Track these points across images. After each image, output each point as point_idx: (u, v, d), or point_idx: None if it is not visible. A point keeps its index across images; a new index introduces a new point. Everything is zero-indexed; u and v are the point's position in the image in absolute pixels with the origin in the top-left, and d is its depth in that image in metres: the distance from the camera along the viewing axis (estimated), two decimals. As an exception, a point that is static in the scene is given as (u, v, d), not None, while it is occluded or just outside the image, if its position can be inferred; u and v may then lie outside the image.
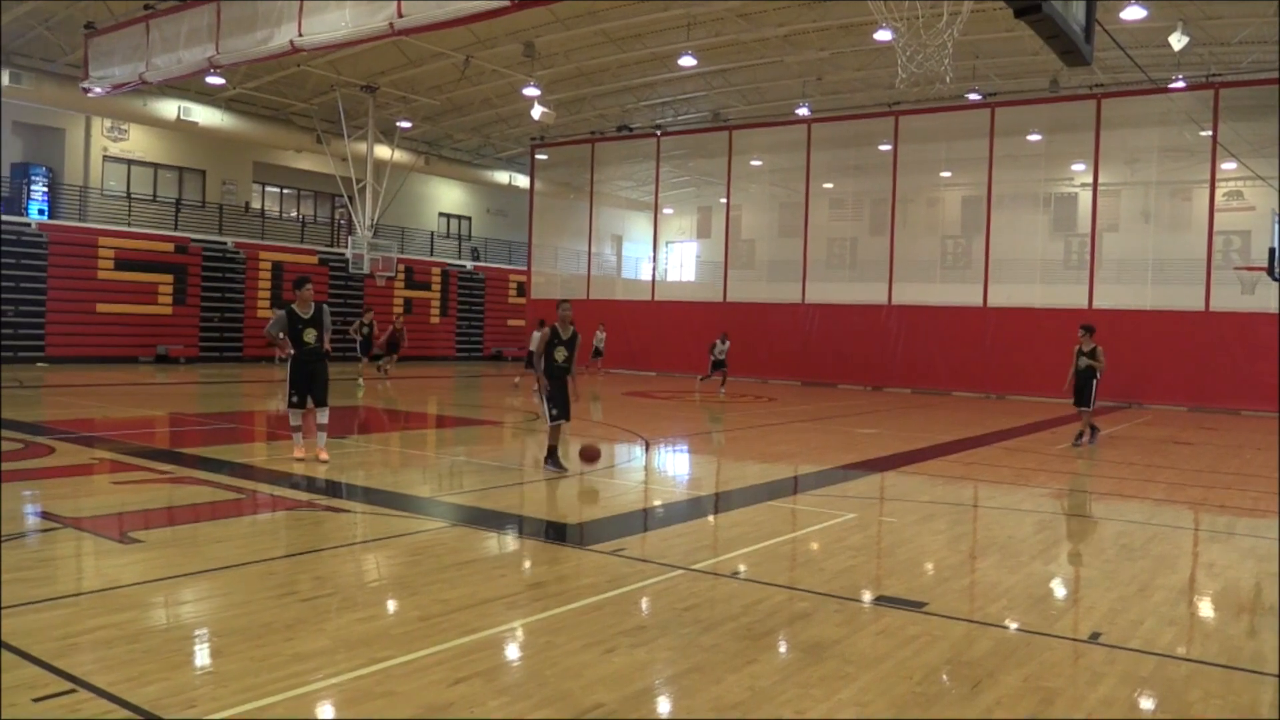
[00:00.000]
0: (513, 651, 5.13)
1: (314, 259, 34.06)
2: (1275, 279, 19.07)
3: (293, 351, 10.98)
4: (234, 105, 30.01)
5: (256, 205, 35.24)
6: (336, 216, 37.32)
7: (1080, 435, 15.50)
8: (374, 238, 31.61)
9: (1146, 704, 4.62)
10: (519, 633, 5.37)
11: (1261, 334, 24.15)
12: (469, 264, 40.46)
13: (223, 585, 6.07)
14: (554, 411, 10.99)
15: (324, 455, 11.16)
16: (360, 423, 16.81)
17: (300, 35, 18.17)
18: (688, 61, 25.63)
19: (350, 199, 31.34)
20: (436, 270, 38.33)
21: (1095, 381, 15.16)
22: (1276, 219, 18.72)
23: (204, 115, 29.27)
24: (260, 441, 14.12)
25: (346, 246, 32.17)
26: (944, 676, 4.86)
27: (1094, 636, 5.60)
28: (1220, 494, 11.54)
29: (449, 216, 42.31)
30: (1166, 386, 25.08)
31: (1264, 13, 20.62)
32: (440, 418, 18.77)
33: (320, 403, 11.18)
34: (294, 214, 36.94)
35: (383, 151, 31.73)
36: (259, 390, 22.10)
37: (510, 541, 7.93)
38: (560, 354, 10.89)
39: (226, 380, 24.05)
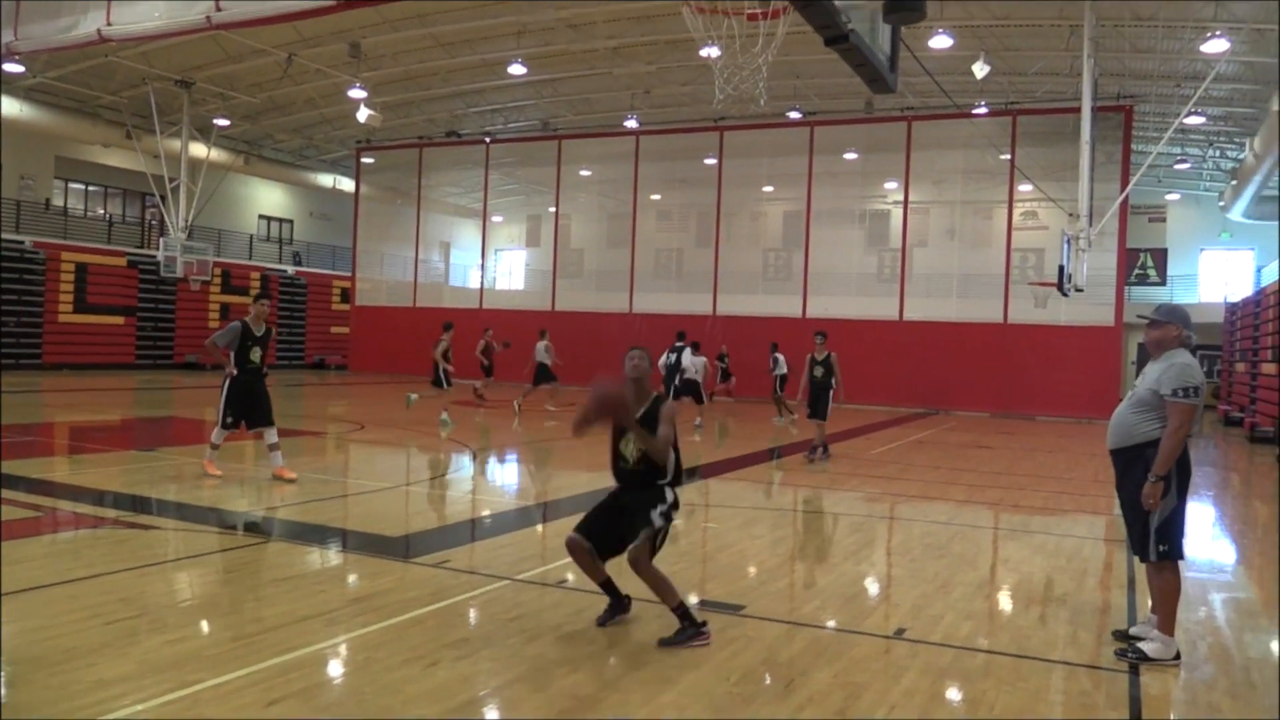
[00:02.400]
0: (332, 669, 5.01)
1: (122, 261, 32.26)
2: (1064, 294, 20.47)
3: (235, 371, 10.36)
4: (34, 95, 28.03)
5: (59, 202, 33.08)
6: (148, 216, 35.43)
7: (815, 449, 14.63)
8: (188, 240, 30.18)
9: (945, 693, 4.91)
10: (338, 650, 5.25)
11: (1053, 345, 25.99)
12: (290, 269, 39.11)
13: (19, 610, 5.68)
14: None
15: (289, 474, 10.55)
16: (171, 434, 16.02)
17: (109, 24, 17.20)
18: (518, 70, 25.59)
19: (163, 198, 29.81)
20: (256, 275, 36.82)
21: (831, 392, 14.49)
22: (1065, 239, 20.12)
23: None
24: (61, 455, 13.27)
25: (158, 248, 30.54)
26: (760, 676, 5.04)
27: (899, 632, 5.91)
28: (1016, 494, 12.32)
29: (270, 219, 40.78)
30: (970, 394, 26.60)
31: (1057, 47, 22.22)
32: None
33: (267, 423, 10.59)
34: (101, 212, 34.84)
35: (198, 149, 30.30)
36: (60, 400, 20.74)
37: (331, 556, 7.73)
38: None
39: (23, 390, 22.44)
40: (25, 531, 7.83)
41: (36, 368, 29.32)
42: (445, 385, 18.21)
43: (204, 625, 5.63)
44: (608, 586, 5.86)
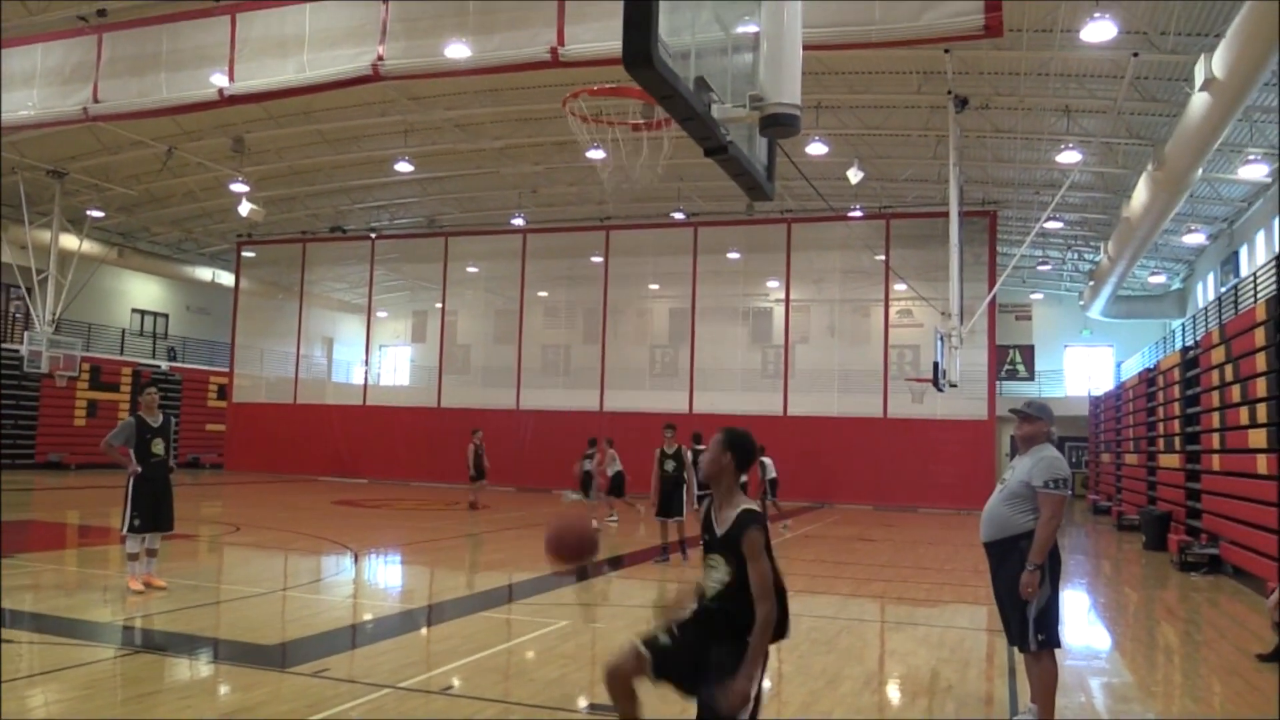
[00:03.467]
0: (199, 790, 4.72)
1: (-19, 356, 30.76)
2: (939, 389, 21.15)
3: (138, 468, 9.79)
4: (-110, 183, 26.88)
5: (-87, 295, 31.50)
6: (11, 309, 33.92)
7: (665, 550, 13.91)
8: (55, 333, 28.94)
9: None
10: (207, 769, 4.96)
11: (931, 438, 26.76)
12: (165, 364, 37.81)
13: None
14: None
15: (159, 582, 9.92)
16: (28, 539, 15.13)
17: (-22, 115, 16.72)
18: (404, 167, 25.65)
19: (29, 290, 28.59)
20: (127, 370, 35.46)
21: (684, 487, 13.94)
22: (939, 336, 20.88)
23: None
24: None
25: (22, 342, 29.17)
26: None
27: (788, 732, 5.88)
28: (900, 587, 12.51)
29: (144, 313, 39.43)
30: (853, 487, 27.09)
31: (924, 155, 23.39)
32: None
33: (165, 527, 10.01)
34: (-41, 305, 33.27)
35: (69, 241, 29.27)
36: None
37: (201, 667, 7.34)
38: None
39: None
40: None
41: (-119, 470, 27.49)
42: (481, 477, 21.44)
43: (58, 747, 5.26)
44: None
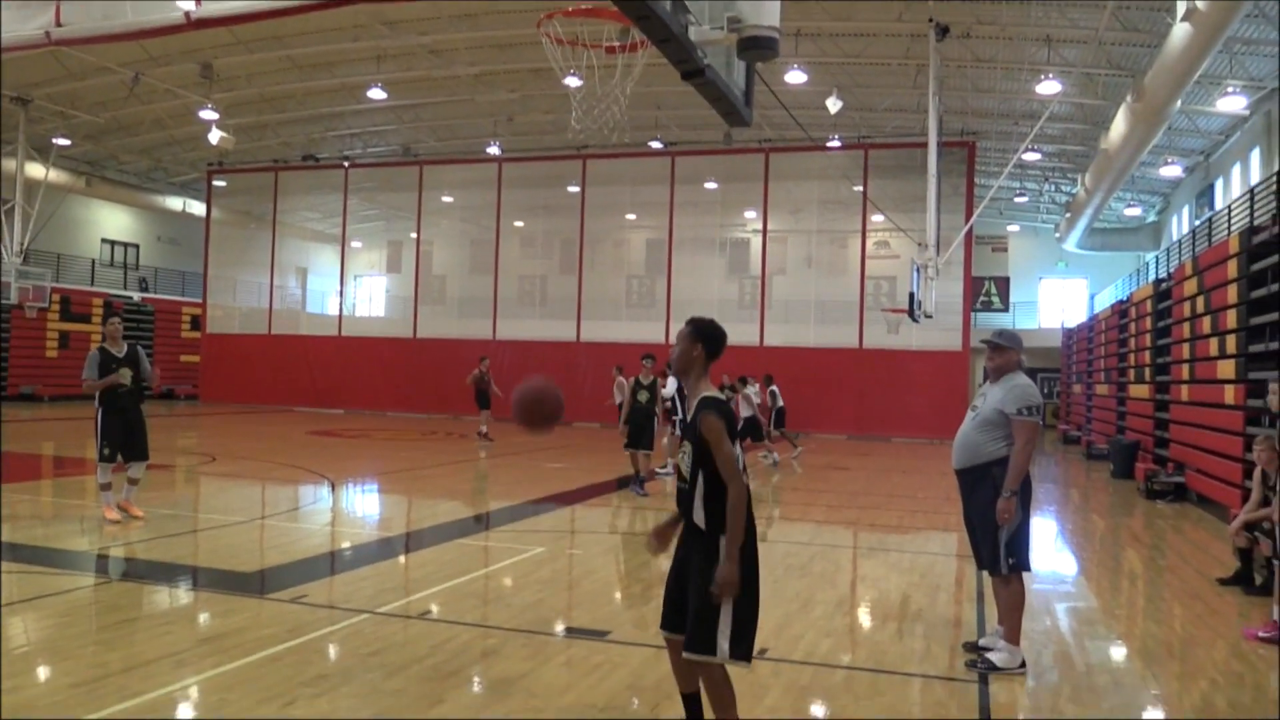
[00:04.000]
0: (180, 713, 4.78)
1: (-51, 287, 30.32)
2: (915, 320, 21.25)
3: (125, 382, 9.77)
4: None
5: (-124, 225, 30.89)
6: (-23, 240, 33.38)
7: (639, 479, 13.66)
8: (23, 264, 28.56)
9: (807, 710, 5.01)
10: (188, 692, 5.01)
11: (907, 369, 26.96)
12: (136, 295, 37.41)
13: None
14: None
15: (137, 511, 9.93)
16: (2, 470, 15.09)
17: (-66, 38, 16.22)
18: (377, 94, 25.22)
19: (-5, 220, 28.18)
20: (98, 301, 35.05)
21: (655, 419, 14.06)
22: (915, 267, 20.91)
23: None
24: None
25: (-11, 274, 28.81)
26: (625, 702, 5.04)
27: (761, 652, 5.97)
28: (872, 514, 12.70)
29: (114, 243, 38.88)
30: (828, 417, 27.31)
31: (904, 84, 23.19)
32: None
33: (140, 456, 9.96)
34: (-76, 236, 32.65)
35: (36, 170, 28.77)
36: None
37: (180, 594, 7.38)
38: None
39: None
40: None
41: None
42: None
43: (39, 672, 5.30)
44: (691, 704, 4.39)
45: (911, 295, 20.85)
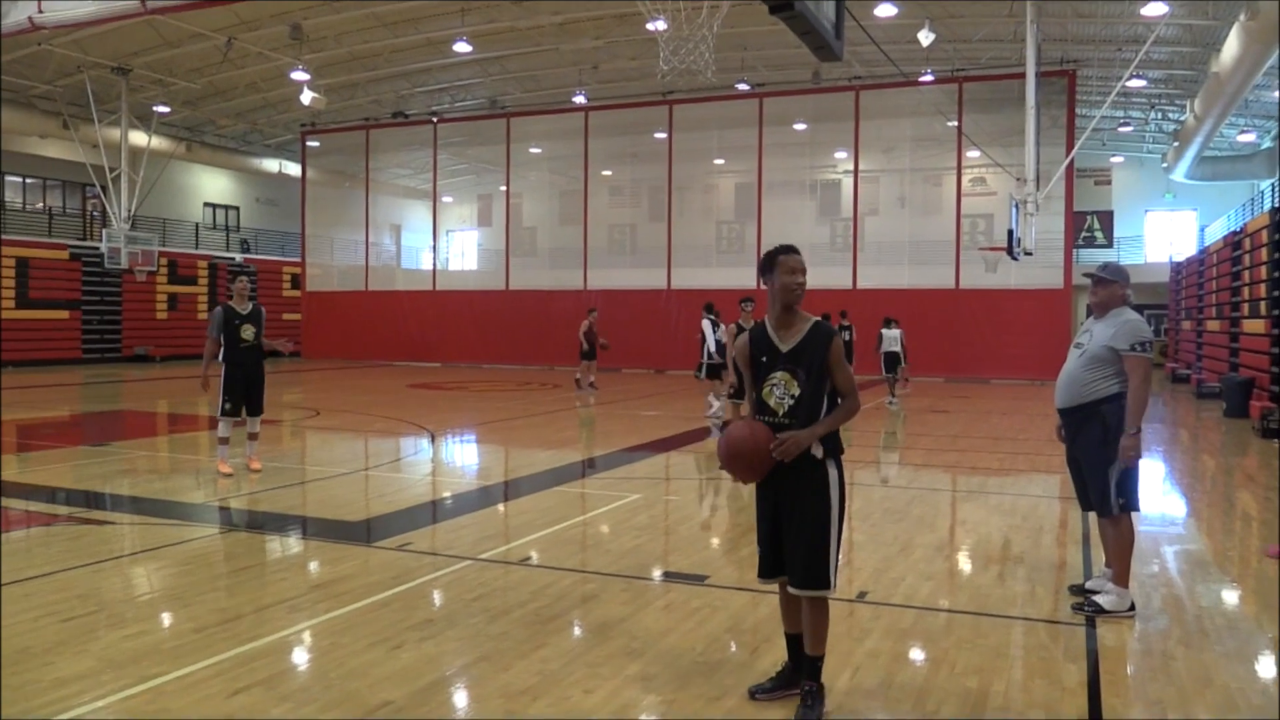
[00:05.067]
0: (295, 656, 4.97)
1: (65, 254, 31.61)
2: (1014, 258, 20.71)
3: (220, 363, 10.09)
4: (-35, 87, 27.34)
5: (-4, 196, 32.31)
6: (89, 208, 34.66)
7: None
8: (131, 230, 29.63)
9: (908, 654, 4.98)
10: (301, 636, 5.21)
11: (1004, 309, 26.32)
12: (238, 256, 38.52)
13: (-32, 610, 5.58)
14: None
15: (256, 464, 10.36)
16: (122, 428, 15.78)
17: (40, 12, 16.82)
18: (463, 48, 25.31)
19: (103, 188, 29.25)
20: (203, 264, 36.28)
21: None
22: (1014, 203, 20.34)
23: (-71, 98, 26.59)
24: (10, 454, 13.00)
25: (101, 240, 29.94)
26: (725, 645, 5.07)
27: (861, 596, 5.97)
28: (972, 457, 12.49)
29: (215, 207, 40.04)
30: (925, 359, 26.78)
31: (999, 13, 22.35)
32: (214, 419, 17.80)
33: (256, 411, 10.35)
34: (40, 205, 34.03)
35: (138, 138, 29.71)
36: (6, 399, 20.31)
37: (291, 543, 7.66)
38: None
39: (-34, 387, 21.97)
40: (-25, 531, 7.68)
41: (-20, 365, 28.68)
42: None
43: (163, 618, 5.56)
44: (794, 645, 4.38)
45: (1010, 232, 20.31)
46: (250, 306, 10.36)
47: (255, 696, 4.28)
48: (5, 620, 5.35)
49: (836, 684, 4.48)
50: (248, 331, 10.18)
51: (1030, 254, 20.48)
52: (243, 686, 4.38)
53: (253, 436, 10.50)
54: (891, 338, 19.22)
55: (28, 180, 33.67)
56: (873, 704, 4.31)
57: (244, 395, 10.29)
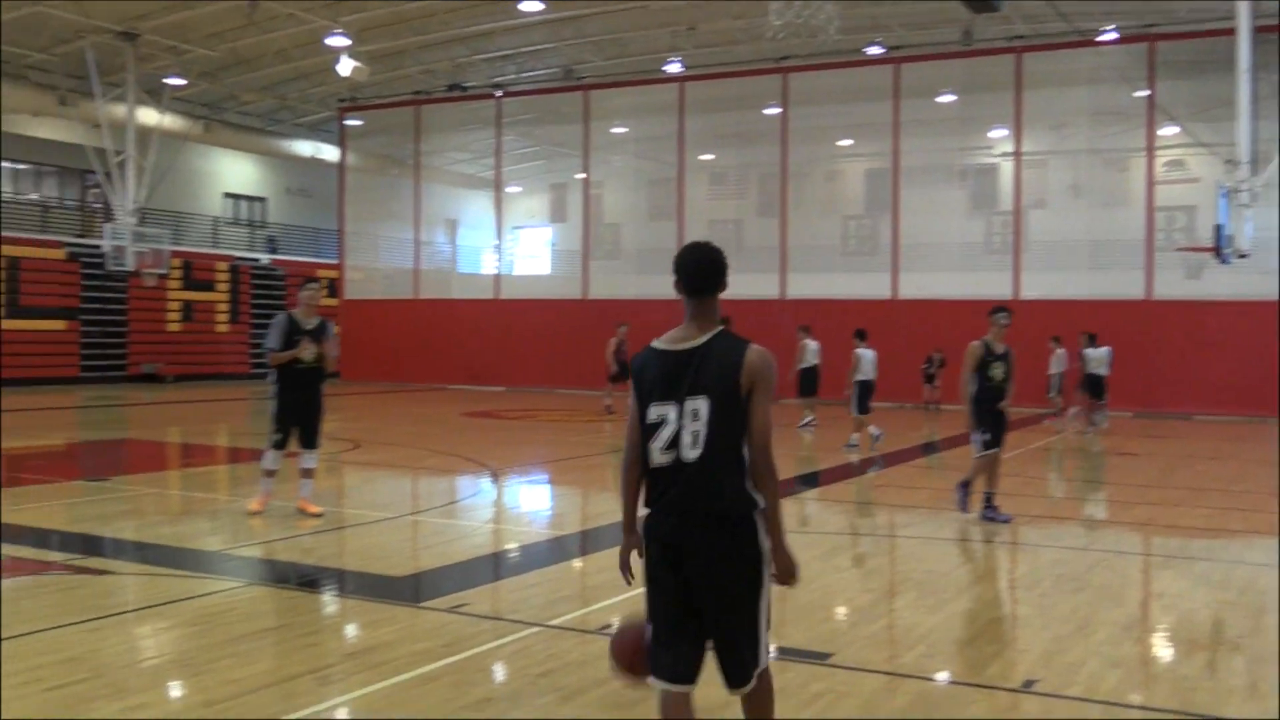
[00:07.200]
0: (327, 738, 5.01)
1: (61, 253, 32.78)
2: (1223, 261, 20.14)
3: (307, 355, 10.18)
4: (-54, 56, 28.55)
5: (-18, 185, 33.68)
6: (89, 199, 35.89)
7: (988, 498, 10.98)
8: (139, 225, 30.51)
9: (1091, 760, 4.81)
10: (334, 715, 5.26)
11: (1210, 325, 25.47)
12: (264, 257, 39.51)
13: (-56, 673, 5.75)
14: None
15: (314, 509, 10.47)
16: (126, 460, 16.22)
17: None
18: (532, 6, 25.59)
19: (106, 175, 30.16)
20: (223, 265, 37.27)
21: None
22: (1222, 192, 19.83)
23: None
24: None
25: (103, 237, 30.92)
26: (856, 740, 4.96)
27: (1027, 684, 5.80)
28: (1170, 512, 12.12)
29: (238, 198, 41.14)
30: (1108, 388, 26.18)
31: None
32: (234, 450, 18.25)
33: (311, 443, 10.53)
34: (33, 196, 35.35)
35: (148, 116, 30.62)
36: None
37: (324, 601, 7.76)
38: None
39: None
40: (-46, 579, 7.93)
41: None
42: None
43: (168, 689, 5.66)
44: None
45: (1218, 228, 19.77)
46: (316, 321, 10.42)
47: (278, 786, 4.31)
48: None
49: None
50: (308, 352, 10.20)
51: (1245, 256, 19.90)
52: (263, 774, 4.42)
53: (307, 474, 10.55)
54: (1098, 358, 20.30)
55: (19, 167, 34.92)
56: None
57: (295, 422, 10.40)
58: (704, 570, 3.93)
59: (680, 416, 3.90)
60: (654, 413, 3.96)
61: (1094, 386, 20.08)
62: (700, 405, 3.88)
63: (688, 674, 3.97)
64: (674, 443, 3.91)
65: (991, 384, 10.67)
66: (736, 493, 3.92)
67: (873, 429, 17.42)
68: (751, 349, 3.97)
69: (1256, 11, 21.32)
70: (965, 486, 10.91)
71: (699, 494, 3.91)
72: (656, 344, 4.13)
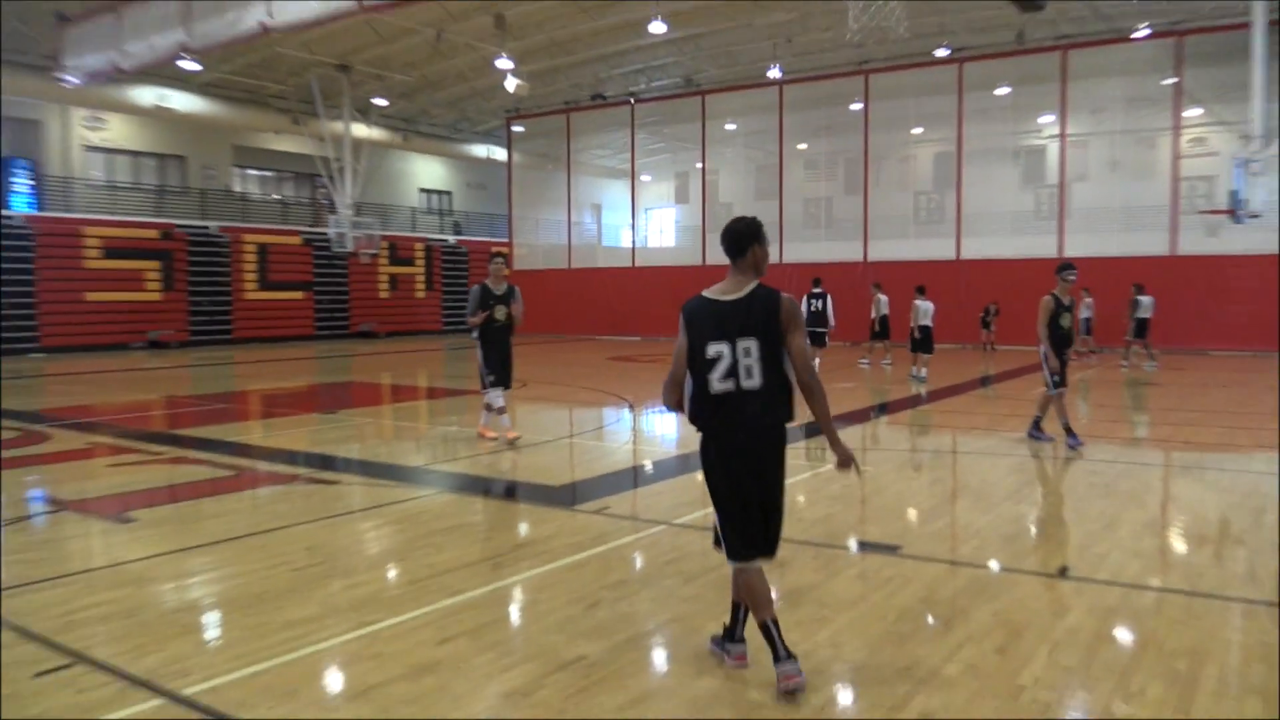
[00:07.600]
0: (499, 609, 5.19)
1: (297, 240, 33.88)
2: (1238, 221, 19.14)
3: (499, 318, 10.52)
4: (210, 90, 29.67)
5: (237, 188, 34.97)
6: (317, 196, 37.04)
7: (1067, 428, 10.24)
8: (355, 216, 31.47)
9: (1111, 631, 4.72)
10: (506, 591, 5.43)
11: (1225, 275, 24.30)
12: (451, 238, 40.27)
13: (216, 559, 6.11)
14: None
15: (513, 434, 10.75)
16: (350, 398, 16.81)
17: (270, 16, 18.00)
18: (658, 28, 25.38)
19: (330, 178, 31.18)
20: (420, 246, 38.16)
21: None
22: (1238, 161, 18.79)
23: (181, 101, 29.00)
24: (254, 420, 14.10)
25: (329, 226, 31.97)
26: (917, 615, 4.95)
27: (1062, 571, 5.70)
28: (1186, 431, 11.68)
29: (429, 192, 42.02)
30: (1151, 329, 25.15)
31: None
32: (431, 389, 18.75)
33: (505, 384, 10.80)
34: (275, 196, 36.64)
35: (360, 130, 31.48)
36: (250, 371, 22.05)
37: (498, 505, 7.98)
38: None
39: (218, 363, 23.97)
40: (222, 489, 8.40)
41: (228, 342, 31.19)
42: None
43: (380, 571, 5.93)
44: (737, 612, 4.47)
45: (1233, 193, 18.78)
46: (505, 287, 10.69)
47: (461, 645, 4.49)
48: (245, 567, 5.83)
49: (1034, 658, 4.30)
50: (500, 313, 10.52)
51: (1257, 216, 18.86)
52: (450, 636, 4.61)
53: (501, 410, 10.75)
54: (1146, 304, 20.10)
55: (264, 173, 36.30)
56: (1071, 681, 4.11)
57: (500, 368, 10.64)
58: (766, 468, 4.27)
59: (734, 352, 4.11)
60: (712, 349, 4.16)
61: (1140, 328, 19.62)
62: (751, 344, 4.11)
63: (760, 549, 4.31)
64: (731, 373, 4.13)
65: (1061, 331, 10.16)
66: (786, 412, 4.22)
67: (916, 369, 17.43)
68: (784, 297, 4.17)
69: (1272, 9, 20.04)
70: (1038, 422, 10.57)
71: (765, 414, 4.17)
72: (706, 294, 4.30)
